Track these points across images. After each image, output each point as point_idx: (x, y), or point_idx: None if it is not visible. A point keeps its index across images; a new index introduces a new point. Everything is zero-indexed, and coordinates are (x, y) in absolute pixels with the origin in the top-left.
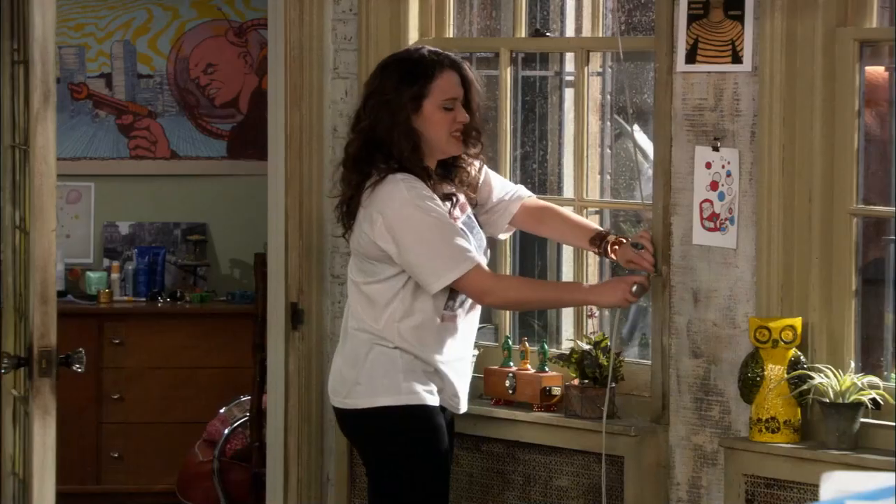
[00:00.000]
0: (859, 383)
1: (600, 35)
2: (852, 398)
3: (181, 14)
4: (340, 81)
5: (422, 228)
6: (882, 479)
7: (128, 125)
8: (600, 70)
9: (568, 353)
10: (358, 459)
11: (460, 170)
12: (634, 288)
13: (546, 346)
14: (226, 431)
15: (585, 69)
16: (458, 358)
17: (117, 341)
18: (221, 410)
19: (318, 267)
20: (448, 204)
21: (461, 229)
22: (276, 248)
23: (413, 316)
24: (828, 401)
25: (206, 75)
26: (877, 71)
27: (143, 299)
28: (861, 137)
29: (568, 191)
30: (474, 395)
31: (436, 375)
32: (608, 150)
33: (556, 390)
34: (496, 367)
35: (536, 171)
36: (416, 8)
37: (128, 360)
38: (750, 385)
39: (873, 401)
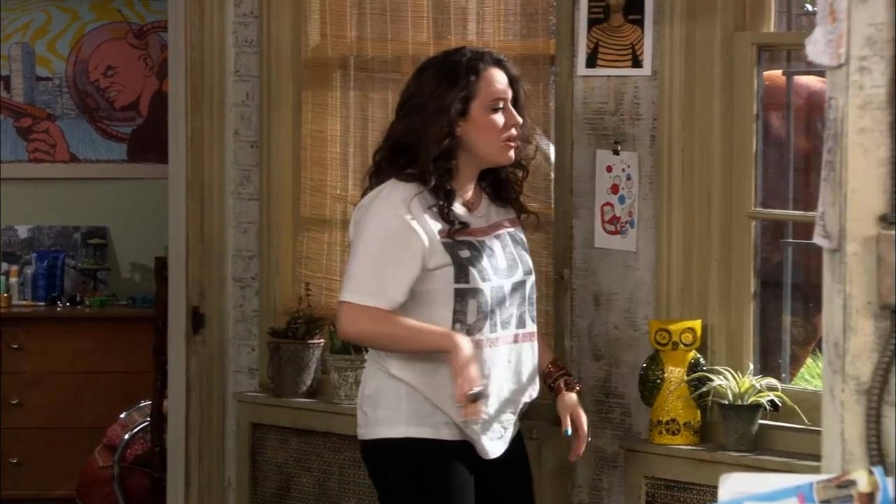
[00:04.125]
0: (758, 385)
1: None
2: (751, 400)
3: (80, 16)
4: (242, 84)
5: (366, 243)
6: (780, 481)
7: (27, 128)
8: None
9: None
10: (259, 463)
11: (510, 186)
12: (475, 390)
13: None
14: (126, 437)
15: None
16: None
17: (16, 346)
18: (122, 415)
19: (219, 271)
20: (440, 224)
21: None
22: (176, 252)
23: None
24: (727, 403)
25: (105, 78)
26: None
27: (43, 304)
28: (759, 141)
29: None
30: None
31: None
32: None
33: None
34: None
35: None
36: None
37: (27, 365)
38: (650, 387)
39: (772, 403)
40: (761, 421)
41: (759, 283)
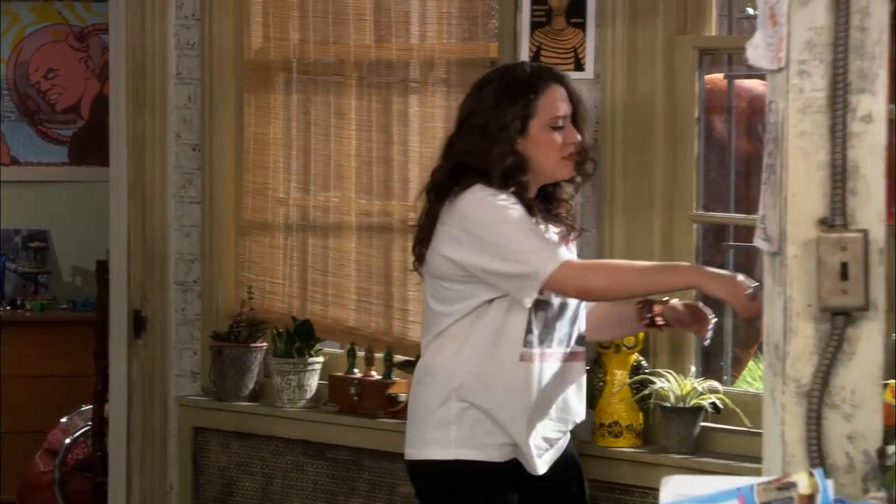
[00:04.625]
0: (700, 388)
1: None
2: (693, 402)
3: (21, 18)
4: (184, 87)
5: (501, 236)
6: (721, 483)
7: None
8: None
9: (414, 359)
10: (201, 467)
11: (562, 203)
12: (750, 289)
13: (391, 353)
14: (67, 441)
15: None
16: (529, 407)
17: None
18: (63, 420)
19: (160, 274)
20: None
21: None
22: (118, 256)
23: (484, 350)
24: (669, 405)
25: (46, 80)
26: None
27: None
28: (701, 144)
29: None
30: (319, 402)
31: (495, 425)
32: None
33: (402, 397)
34: (341, 373)
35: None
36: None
37: None
38: (593, 390)
39: (713, 405)
40: (703, 423)
41: None
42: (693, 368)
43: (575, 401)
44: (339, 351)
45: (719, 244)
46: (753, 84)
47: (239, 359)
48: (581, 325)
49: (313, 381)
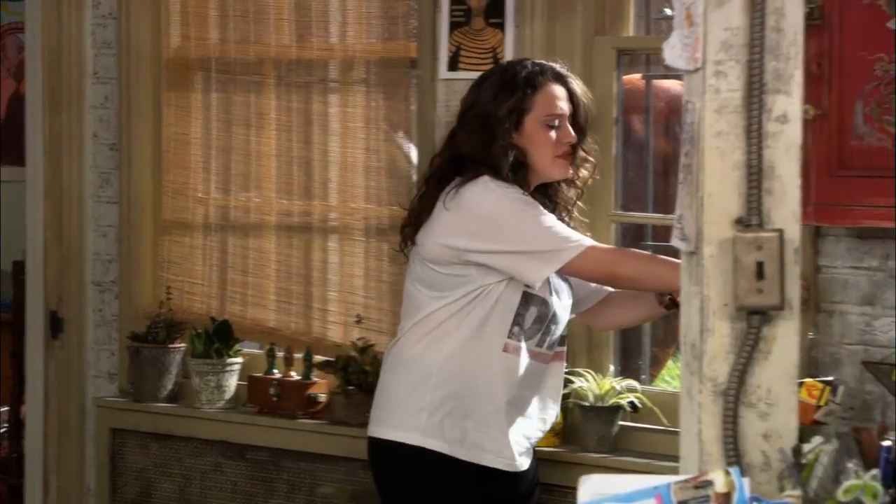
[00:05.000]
0: (618, 387)
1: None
2: (611, 402)
3: None
4: (101, 86)
5: (520, 220)
6: (638, 482)
7: None
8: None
9: (334, 359)
10: (119, 469)
11: (557, 206)
12: None
13: (311, 353)
14: None
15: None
16: (512, 402)
17: None
18: None
19: (78, 275)
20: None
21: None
22: (34, 256)
23: (467, 340)
24: (587, 404)
25: None
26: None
27: None
28: (619, 144)
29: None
30: (238, 403)
31: (469, 422)
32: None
33: (322, 397)
34: (260, 374)
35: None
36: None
37: None
38: None
39: (631, 404)
40: (621, 422)
41: None
42: (612, 368)
43: (554, 401)
44: (258, 351)
45: (637, 244)
46: (671, 84)
47: (157, 360)
48: (566, 328)
49: (232, 382)
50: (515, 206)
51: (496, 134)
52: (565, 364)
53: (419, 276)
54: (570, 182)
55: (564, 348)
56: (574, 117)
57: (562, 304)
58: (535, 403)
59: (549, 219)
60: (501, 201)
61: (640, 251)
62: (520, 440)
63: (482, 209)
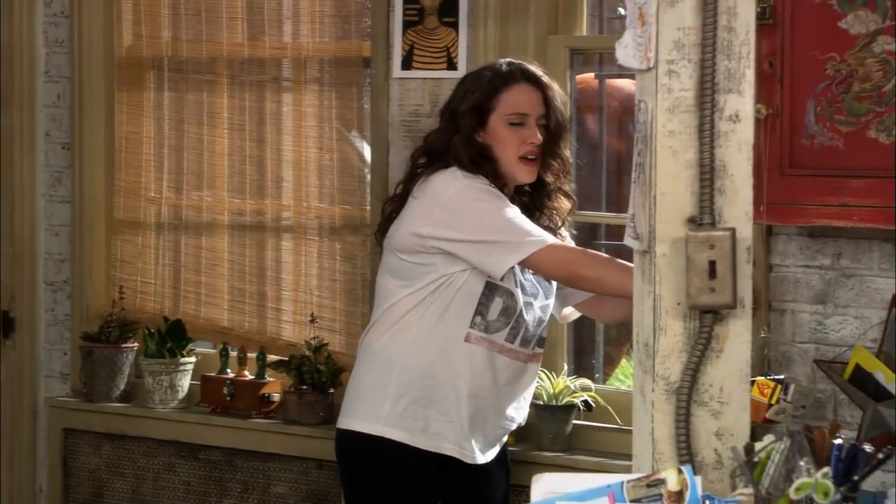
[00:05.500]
0: (572, 386)
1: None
2: (565, 401)
3: None
4: (53, 85)
5: (483, 210)
6: (591, 480)
7: None
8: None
9: (287, 359)
10: (71, 469)
11: (541, 215)
12: None
13: (265, 353)
14: None
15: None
16: (476, 394)
17: None
18: None
19: (29, 274)
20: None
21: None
22: None
23: (431, 326)
24: (542, 403)
25: None
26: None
27: None
28: (573, 143)
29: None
30: (191, 403)
31: (431, 411)
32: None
33: (276, 396)
34: (214, 374)
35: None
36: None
37: None
38: None
39: (585, 403)
40: (575, 421)
41: None
42: (566, 367)
43: (525, 401)
44: (211, 351)
45: (591, 243)
46: (625, 83)
47: (110, 359)
48: (545, 329)
49: (185, 382)
50: (479, 196)
51: (458, 127)
52: (539, 364)
53: (389, 266)
54: (566, 194)
55: (542, 350)
56: (547, 121)
57: (538, 303)
58: (504, 399)
59: (513, 211)
60: (466, 191)
61: (605, 255)
62: (484, 432)
63: (446, 197)
